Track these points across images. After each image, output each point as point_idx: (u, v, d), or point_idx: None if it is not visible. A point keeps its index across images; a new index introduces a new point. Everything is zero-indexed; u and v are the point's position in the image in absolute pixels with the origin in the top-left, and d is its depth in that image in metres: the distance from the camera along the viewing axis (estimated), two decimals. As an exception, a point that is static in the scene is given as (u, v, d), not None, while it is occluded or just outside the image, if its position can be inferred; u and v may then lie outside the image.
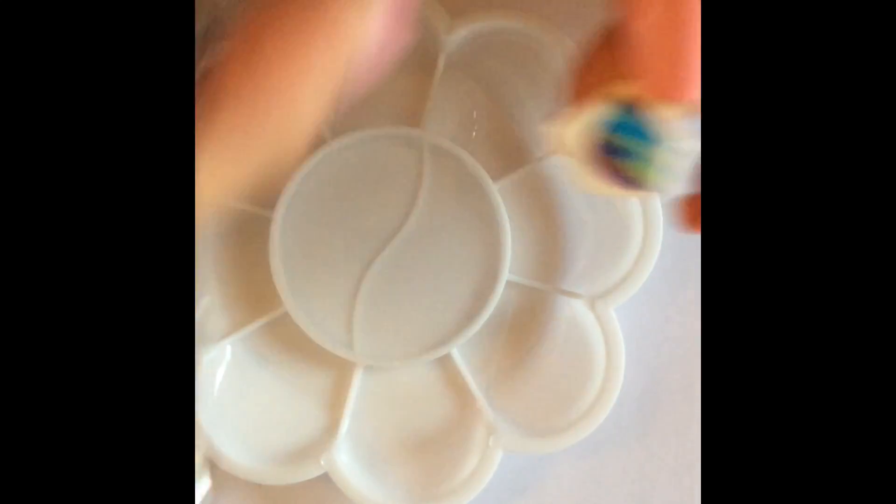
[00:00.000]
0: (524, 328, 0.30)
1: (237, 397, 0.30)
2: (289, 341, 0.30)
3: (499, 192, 0.29)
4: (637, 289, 0.29)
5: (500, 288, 0.29)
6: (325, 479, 0.29)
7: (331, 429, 0.30)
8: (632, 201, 0.29)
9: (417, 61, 0.30)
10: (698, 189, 0.20)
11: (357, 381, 0.30)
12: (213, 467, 0.28)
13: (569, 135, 0.19)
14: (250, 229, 0.30)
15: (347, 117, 0.30)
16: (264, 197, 0.30)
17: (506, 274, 0.29)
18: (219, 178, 0.18)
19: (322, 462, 0.29)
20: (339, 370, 0.30)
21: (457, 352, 0.30)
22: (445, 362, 0.30)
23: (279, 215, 0.29)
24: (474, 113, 0.30)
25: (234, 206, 0.30)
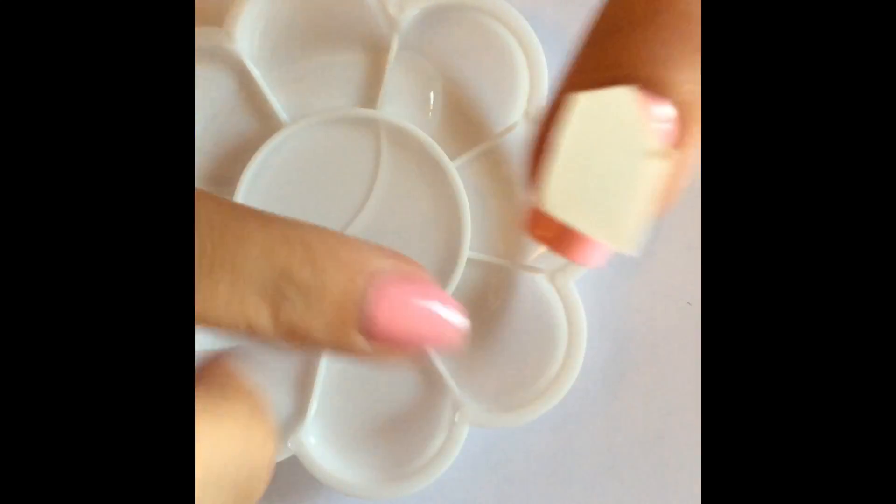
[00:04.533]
0: (487, 304, 0.30)
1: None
2: (254, 327, 0.30)
3: (457, 171, 0.29)
4: (595, 261, 0.29)
5: (462, 265, 0.29)
6: (294, 462, 0.29)
7: (298, 412, 0.30)
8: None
9: (371, 42, 0.30)
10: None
11: (323, 363, 0.30)
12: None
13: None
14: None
15: (302, 101, 0.30)
16: (222, 184, 0.30)
17: (466, 251, 0.29)
18: None
19: (289, 445, 0.29)
20: (305, 353, 0.30)
21: (421, 330, 0.30)
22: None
23: (238, 201, 0.29)
24: (431, 93, 0.30)
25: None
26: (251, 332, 0.19)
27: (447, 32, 0.30)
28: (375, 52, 0.30)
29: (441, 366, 0.30)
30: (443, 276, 0.29)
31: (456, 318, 0.21)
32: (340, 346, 0.20)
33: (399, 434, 0.30)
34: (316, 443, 0.29)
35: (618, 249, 0.16)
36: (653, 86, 0.16)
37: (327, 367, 0.30)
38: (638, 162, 0.16)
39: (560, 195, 0.16)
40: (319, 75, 0.30)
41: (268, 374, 0.30)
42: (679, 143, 0.16)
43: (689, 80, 0.16)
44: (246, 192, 0.29)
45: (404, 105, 0.30)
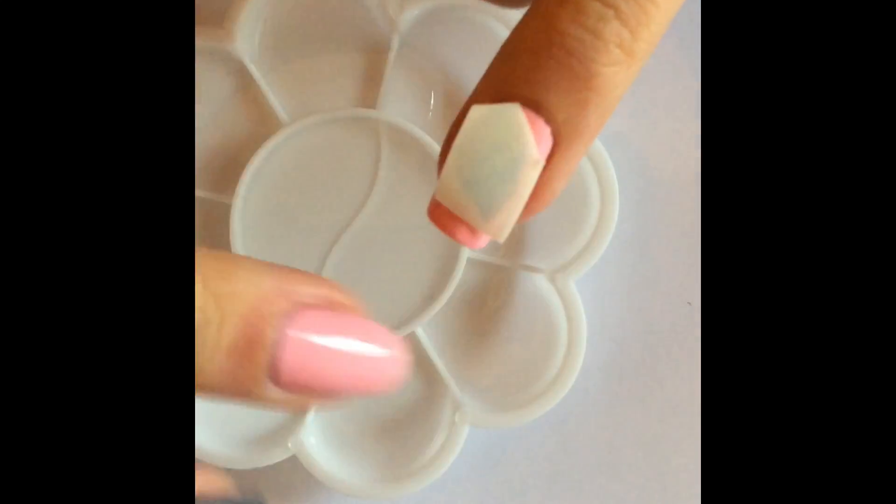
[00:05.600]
0: (487, 304, 0.30)
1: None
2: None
3: (457, 171, 0.29)
4: (595, 261, 0.29)
5: (462, 266, 0.29)
6: (294, 462, 0.29)
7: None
8: (588, 173, 0.29)
9: (371, 42, 0.30)
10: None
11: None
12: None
13: None
14: (209, 217, 0.30)
15: (302, 101, 0.30)
16: (222, 184, 0.30)
17: (466, 251, 0.29)
18: None
19: (289, 445, 0.29)
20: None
21: (421, 330, 0.30)
22: (410, 341, 0.30)
23: (238, 201, 0.29)
24: (431, 93, 0.30)
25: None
26: None
27: (447, 32, 0.30)
28: (375, 52, 0.30)
29: (441, 366, 0.30)
30: (443, 276, 0.29)
31: (394, 356, 0.18)
32: (243, 397, 0.17)
33: (399, 434, 0.30)
34: (316, 443, 0.29)
35: (491, 237, 0.19)
36: (530, 105, 0.18)
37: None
38: (516, 167, 0.18)
39: (450, 188, 0.18)
40: (319, 75, 0.30)
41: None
42: (551, 157, 0.18)
43: (563, 103, 0.18)
44: (246, 192, 0.29)
45: (404, 105, 0.30)
